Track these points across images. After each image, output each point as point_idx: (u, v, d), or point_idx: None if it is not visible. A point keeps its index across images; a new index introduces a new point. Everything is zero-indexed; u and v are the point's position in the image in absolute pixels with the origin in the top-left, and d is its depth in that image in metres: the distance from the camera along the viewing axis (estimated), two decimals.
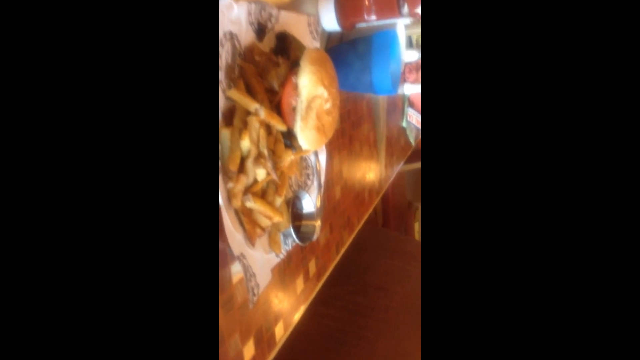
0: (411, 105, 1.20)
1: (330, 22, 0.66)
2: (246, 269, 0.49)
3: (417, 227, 2.40)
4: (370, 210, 1.00)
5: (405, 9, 0.63)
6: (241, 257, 0.48)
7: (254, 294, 0.51)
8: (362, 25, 0.67)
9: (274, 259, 0.56)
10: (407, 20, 0.73)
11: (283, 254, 0.58)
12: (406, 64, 1.01)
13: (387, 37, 0.68)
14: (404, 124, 1.20)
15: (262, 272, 0.53)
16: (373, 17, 0.64)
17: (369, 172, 0.98)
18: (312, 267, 0.72)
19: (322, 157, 0.68)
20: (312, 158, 0.67)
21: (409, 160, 1.30)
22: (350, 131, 0.86)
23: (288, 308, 0.65)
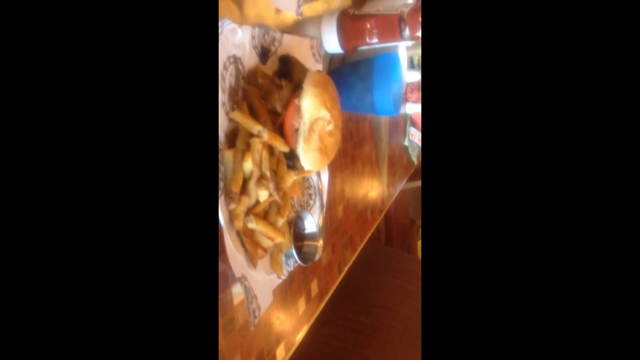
0: (413, 124, 1.20)
1: (332, 44, 0.67)
2: (247, 290, 0.49)
3: (420, 244, 2.39)
4: (373, 229, 1.00)
5: (407, 32, 0.64)
6: (242, 279, 0.48)
7: (255, 316, 0.51)
8: (364, 47, 0.68)
9: (275, 280, 0.56)
10: (408, 43, 0.74)
11: (285, 274, 0.58)
12: (408, 84, 1.02)
13: (388, 59, 0.69)
14: (406, 143, 1.21)
15: (263, 293, 0.52)
16: (375, 40, 0.65)
17: (372, 191, 0.98)
18: (314, 287, 0.71)
19: (324, 177, 0.69)
20: (315, 178, 0.67)
21: (412, 178, 1.30)
22: (353, 151, 0.86)
23: (290, 329, 0.64)
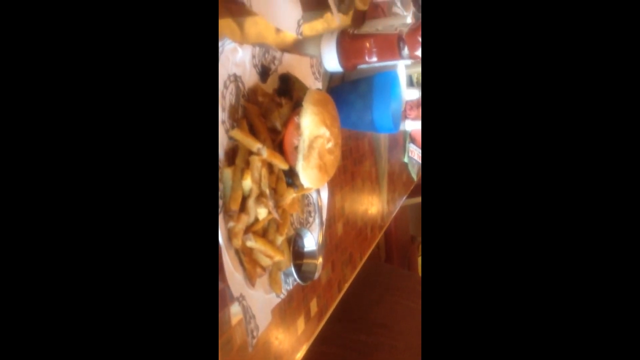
0: (412, 141, 1.21)
1: (332, 63, 0.68)
2: (246, 310, 0.49)
3: (421, 261, 2.37)
4: (373, 246, 0.99)
5: (406, 52, 0.64)
6: (241, 299, 0.48)
7: (253, 336, 0.50)
8: (363, 66, 0.69)
9: (274, 299, 0.55)
10: (407, 61, 0.75)
11: (284, 293, 0.57)
12: (407, 102, 1.03)
13: (388, 77, 0.70)
14: (406, 160, 1.21)
15: (261, 313, 0.52)
16: (374, 59, 0.66)
17: (371, 208, 0.98)
18: (313, 306, 0.70)
19: (324, 194, 0.68)
20: (314, 195, 0.67)
21: (412, 194, 1.30)
22: (352, 168, 0.86)
23: (288, 349, 0.63)
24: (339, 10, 0.68)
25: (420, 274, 2.23)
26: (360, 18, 0.84)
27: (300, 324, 0.66)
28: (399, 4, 0.91)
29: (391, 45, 0.64)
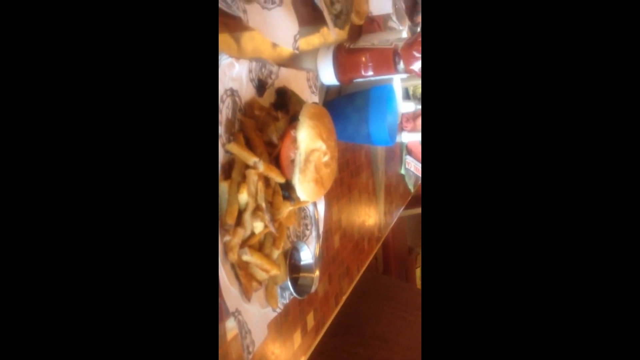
0: (409, 152, 1.21)
1: (328, 77, 0.68)
2: (241, 325, 0.48)
3: (419, 273, 2.36)
4: (370, 258, 0.99)
5: (401, 66, 0.65)
6: (236, 314, 0.47)
7: (249, 352, 0.49)
8: (359, 80, 0.70)
9: (270, 314, 0.55)
10: (403, 75, 0.76)
11: (280, 307, 0.57)
12: (403, 114, 1.03)
13: (384, 91, 0.70)
14: (403, 171, 1.21)
15: (257, 328, 0.51)
16: (370, 73, 0.67)
17: (368, 219, 0.98)
18: (310, 320, 0.70)
19: (321, 207, 0.69)
20: (311, 208, 0.67)
21: (410, 205, 1.30)
22: (349, 180, 0.87)
23: None
24: (335, 24, 0.69)
25: (418, 285, 2.22)
26: (357, 32, 0.85)
27: (297, 338, 0.66)
28: (394, 19, 0.92)
29: (387, 60, 0.65)
